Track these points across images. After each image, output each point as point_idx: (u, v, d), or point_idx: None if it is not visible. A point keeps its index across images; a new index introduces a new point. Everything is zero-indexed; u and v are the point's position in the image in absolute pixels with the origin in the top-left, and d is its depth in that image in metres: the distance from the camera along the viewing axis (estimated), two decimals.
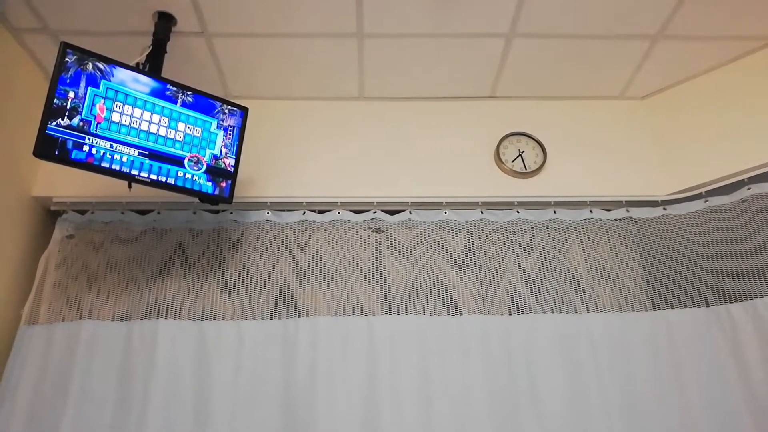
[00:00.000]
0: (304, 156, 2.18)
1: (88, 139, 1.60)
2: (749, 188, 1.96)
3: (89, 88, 1.61)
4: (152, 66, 1.84)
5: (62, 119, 1.56)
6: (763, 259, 1.88)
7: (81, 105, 1.59)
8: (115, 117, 1.65)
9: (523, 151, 2.18)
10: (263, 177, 2.14)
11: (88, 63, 1.62)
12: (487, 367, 1.83)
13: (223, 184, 1.83)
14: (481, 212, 2.13)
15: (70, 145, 1.57)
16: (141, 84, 1.71)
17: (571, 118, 2.28)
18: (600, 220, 2.13)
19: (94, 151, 1.60)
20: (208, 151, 1.81)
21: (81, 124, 1.59)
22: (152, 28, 1.91)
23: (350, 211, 2.13)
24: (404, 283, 2.01)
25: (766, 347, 1.75)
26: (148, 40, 1.90)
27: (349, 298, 1.98)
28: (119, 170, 1.64)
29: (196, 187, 1.78)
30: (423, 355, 1.85)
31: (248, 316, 1.95)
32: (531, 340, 1.87)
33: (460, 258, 2.05)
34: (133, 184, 1.75)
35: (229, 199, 1.84)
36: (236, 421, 1.76)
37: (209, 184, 1.81)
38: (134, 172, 1.67)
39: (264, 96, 2.27)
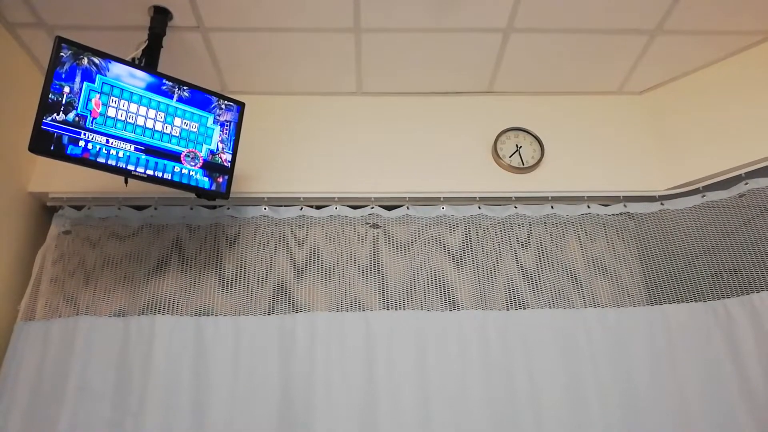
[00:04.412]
0: (301, 151, 2.18)
1: (84, 134, 1.59)
2: (746, 183, 1.96)
3: (85, 82, 1.60)
4: (148, 61, 1.83)
5: (58, 114, 1.55)
6: (760, 255, 1.88)
7: (76, 100, 1.59)
8: (111, 112, 1.64)
9: (520, 147, 2.18)
10: (260, 172, 2.13)
11: (83, 58, 1.61)
12: (484, 361, 1.83)
13: (220, 180, 1.83)
14: (479, 207, 2.13)
15: (65, 140, 1.56)
16: (137, 79, 1.70)
17: (569, 113, 2.27)
18: (597, 215, 2.13)
19: (90, 146, 1.60)
20: (205, 147, 1.81)
21: (77, 119, 1.58)
22: (148, 23, 1.90)
23: (347, 206, 2.13)
24: (402, 278, 2.01)
25: (762, 342, 1.75)
26: (144, 35, 1.89)
27: (346, 293, 1.98)
28: (115, 165, 1.64)
29: (192, 183, 1.77)
30: (421, 350, 1.85)
31: (246, 312, 1.95)
32: (529, 335, 1.87)
33: (457, 253, 2.05)
34: (129, 180, 1.75)
35: (226, 195, 1.84)
36: (234, 416, 1.76)
37: (206, 179, 1.80)
38: (130, 167, 1.66)
39: (261, 91, 2.27)
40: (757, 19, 1.97)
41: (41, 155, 1.55)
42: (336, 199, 2.12)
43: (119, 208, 2.11)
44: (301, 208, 2.12)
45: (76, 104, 1.58)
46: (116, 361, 1.83)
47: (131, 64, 1.70)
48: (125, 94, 1.67)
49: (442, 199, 2.13)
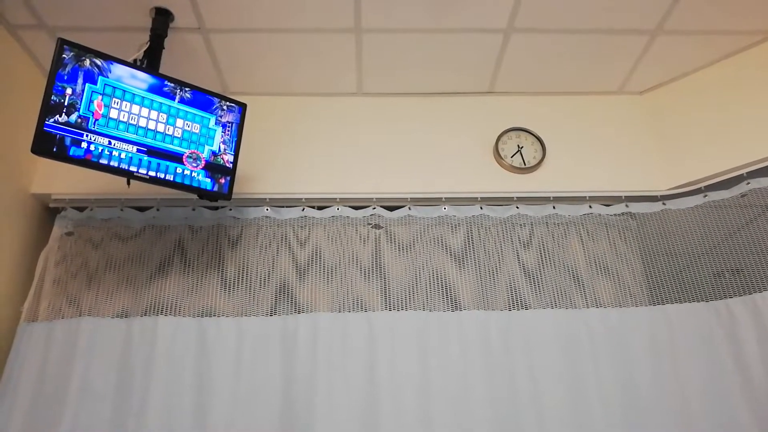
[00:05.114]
0: (302, 152, 2.18)
1: (87, 135, 1.59)
2: (748, 183, 1.96)
3: (87, 84, 1.60)
4: (150, 62, 1.83)
5: (60, 116, 1.55)
6: (762, 254, 1.88)
7: (79, 101, 1.59)
8: (113, 113, 1.64)
9: (522, 147, 2.18)
10: (262, 173, 2.14)
11: (85, 59, 1.61)
12: (486, 361, 1.83)
13: (222, 181, 1.83)
14: (481, 208, 2.13)
15: (68, 141, 1.56)
16: (139, 80, 1.70)
17: (570, 113, 2.27)
18: (599, 215, 2.13)
19: (92, 147, 1.60)
20: (207, 148, 1.81)
21: (79, 120, 1.58)
22: (149, 24, 1.90)
23: (349, 207, 2.13)
24: (404, 278, 2.01)
25: (764, 342, 1.75)
26: (146, 36, 1.89)
27: (348, 294, 1.98)
28: (118, 167, 1.64)
29: (194, 184, 1.77)
30: (422, 351, 1.85)
31: (248, 313, 1.95)
32: (530, 335, 1.87)
33: (459, 253, 2.05)
34: (131, 181, 1.75)
35: (228, 196, 1.84)
36: (236, 417, 1.76)
37: (208, 180, 1.80)
38: (133, 168, 1.67)
39: (262, 92, 2.27)
40: (758, 19, 1.97)
41: (44, 157, 1.55)
42: (338, 199, 2.12)
43: (121, 210, 2.11)
44: (303, 209, 2.12)
45: (78, 106, 1.59)
46: (119, 362, 1.83)
47: (133, 65, 1.70)
48: (127, 96, 1.68)
49: (443, 199, 2.13)
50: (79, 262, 2.03)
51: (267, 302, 1.97)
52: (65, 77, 1.57)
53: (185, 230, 2.10)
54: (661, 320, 1.88)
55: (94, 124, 1.61)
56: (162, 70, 1.87)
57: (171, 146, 1.74)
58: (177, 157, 1.75)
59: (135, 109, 1.68)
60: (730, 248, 1.96)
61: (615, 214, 2.13)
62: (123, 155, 1.65)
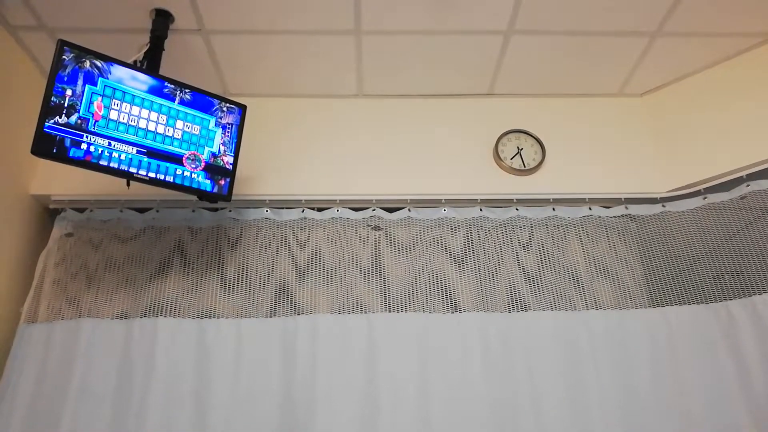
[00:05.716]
0: (302, 154, 2.18)
1: (86, 137, 1.59)
2: (748, 185, 1.96)
3: (87, 85, 1.60)
4: (150, 64, 1.83)
5: (60, 117, 1.55)
6: (762, 257, 1.88)
7: (79, 103, 1.59)
8: (113, 115, 1.64)
9: (521, 149, 2.18)
10: (262, 175, 2.14)
11: (85, 61, 1.61)
12: (486, 363, 1.83)
13: (222, 182, 1.83)
14: (480, 210, 2.13)
15: (68, 143, 1.56)
16: (139, 82, 1.70)
17: (570, 115, 2.27)
18: (599, 217, 2.13)
19: (92, 149, 1.60)
20: (207, 149, 1.81)
21: (79, 121, 1.58)
22: (150, 26, 1.90)
23: (349, 208, 2.13)
24: (403, 280, 2.01)
25: (764, 344, 1.75)
26: (146, 38, 1.89)
27: (348, 295, 1.98)
28: (118, 168, 1.64)
29: (194, 185, 1.77)
30: (422, 353, 1.85)
31: (248, 314, 1.95)
32: (530, 337, 1.87)
33: (459, 255, 2.05)
34: (131, 182, 1.75)
35: (227, 197, 1.84)
36: (235, 419, 1.76)
37: (208, 182, 1.80)
38: (133, 170, 1.67)
39: (262, 93, 2.27)
40: (758, 21, 1.97)
41: (43, 158, 1.55)
42: (337, 201, 2.12)
43: (121, 211, 2.12)
44: (303, 210, 2.12)
45: (78, 107, 1.59)
46: (118, 363, 1.83)
47: (133, 66, 1.70)
48: (127, 97, 1.68)
49: (443, 201, 2.13)
50: (78, 263, 2.03)
51: (267, 304, 1.97)
52: (65, 78, 1.57)
53: (185, 231, 2.10)
54: (660, 322, 1.88)
55: (94, 125, 1.61)
56: (162, 72, 1.87)
57: (171, 148, 1.74)
58: (177, 159, 1.75)
59: (135, 110, 1.68)
60: (729, 250, 1.96)
61: (615, 216, 2.13)
62: (123, 156, 1.65)
